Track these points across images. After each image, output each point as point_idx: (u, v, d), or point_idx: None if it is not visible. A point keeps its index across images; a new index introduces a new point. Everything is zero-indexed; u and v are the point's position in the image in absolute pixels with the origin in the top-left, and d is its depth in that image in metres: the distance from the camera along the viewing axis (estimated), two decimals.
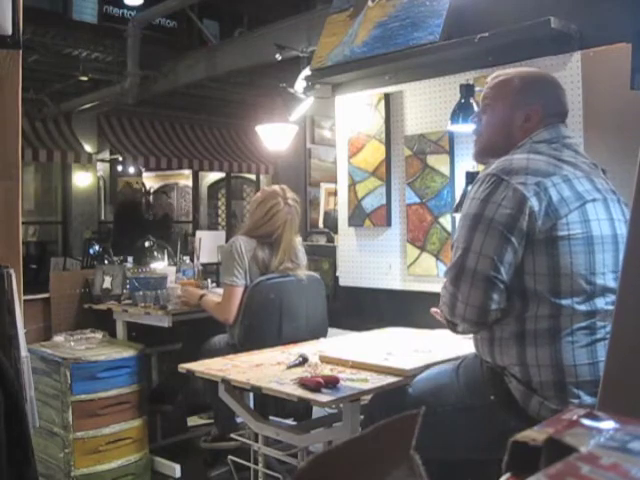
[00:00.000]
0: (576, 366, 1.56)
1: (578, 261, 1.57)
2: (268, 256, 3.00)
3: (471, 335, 1.78)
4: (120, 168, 11.09)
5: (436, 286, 2.05)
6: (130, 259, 4.17)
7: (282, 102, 4.04)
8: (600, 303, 1.59)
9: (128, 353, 3.16)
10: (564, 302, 1.57)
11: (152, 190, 11.13)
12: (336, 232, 3.62)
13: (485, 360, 1.71)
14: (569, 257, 1.57)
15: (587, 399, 1.55)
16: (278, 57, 4.99)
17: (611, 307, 1.57)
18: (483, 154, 1.88)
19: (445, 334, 2.31)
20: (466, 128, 2.67)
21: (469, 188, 1.84)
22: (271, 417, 2.58)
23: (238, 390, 2.23)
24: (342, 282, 3.40)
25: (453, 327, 1.72)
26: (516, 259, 1.59)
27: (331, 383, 1.89)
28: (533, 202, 1.56)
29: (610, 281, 1.60)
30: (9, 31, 1.61)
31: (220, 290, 3.39)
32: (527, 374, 1.60)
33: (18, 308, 1.60)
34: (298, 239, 3.18)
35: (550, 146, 1.70)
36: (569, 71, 2.48)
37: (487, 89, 1.85)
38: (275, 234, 3.00)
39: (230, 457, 2.59)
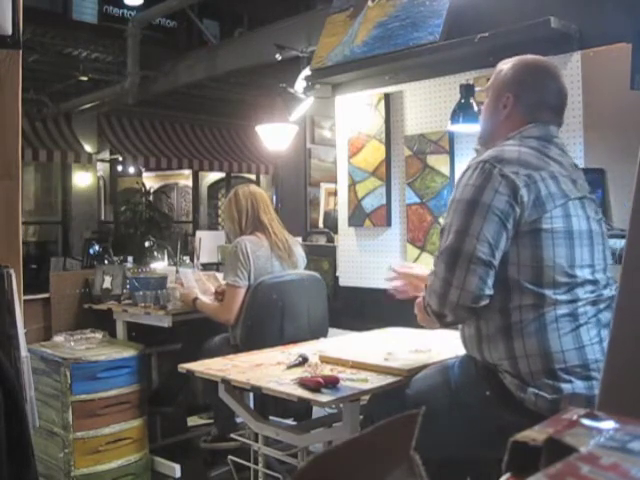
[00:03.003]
0: (564, 352, 1.58)
1: (559, 253, 1.61)
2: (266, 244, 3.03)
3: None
4: (120, 168, 11.09)
5: None
6: (130, 259, 4.17)
7: (282, 102, 4.04)
8: (580, 292, 1.63)
9: (128, 353, 3.16)
10: (546, 292, 1.60)
11: (152, 190, 11.09)
12: (336, 232, 3.62)
13: (477, 359, 1.72)
14: (552, 249, 1.60)
15: (579, 383, 1.57)
16: (278, 57, 4.98)
17: (590, 295, 1.63)
18: (480, 141, 1.91)
19: (445, 334, 2.31)
20: (466, 128, 2.67)
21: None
22: (271, 417, 2.58)
23: (238, 390, 2.23)
24: (342, 282, 3.40)
25: (442, 318, 1.69)
26: (507, 246, 1.62)
27: (331, 383, 1.89)
28: (523, 192, 1.60)
29: (587, 274, 1.64)
30: (9, 31, 1.61)
31: (211, 287, 3.38)
32: (516, 367, 1.61)
33: (18, 308, 1.60)
34: (293, 238, 3.19)
35: (539, 143, 1.72)
36: (569, 71, 2.48)
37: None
38: (254, 213, 3.07)
39: (230, 457, 2.59)
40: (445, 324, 1.73)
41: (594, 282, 1.65)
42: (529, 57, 1.85)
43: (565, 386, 1.57)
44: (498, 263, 1.61)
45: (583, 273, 1.63)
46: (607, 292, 1.66)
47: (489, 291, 1.61)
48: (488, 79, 2.60)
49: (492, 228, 1.59)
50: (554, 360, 1.58)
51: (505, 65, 1.84)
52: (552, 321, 1.59)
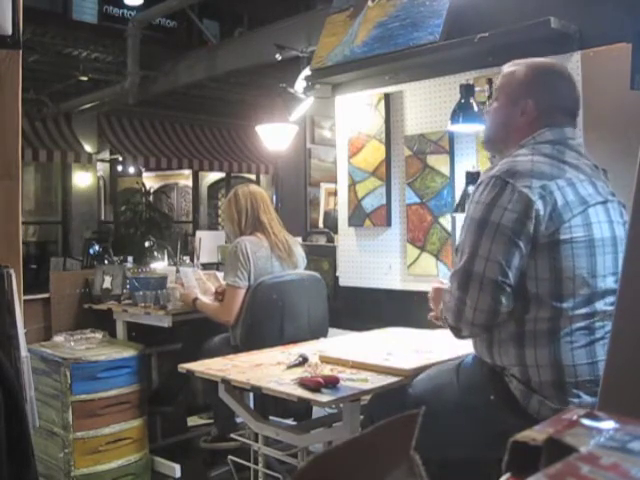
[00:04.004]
0: (575, 366, 1.56)
1: (580, 264, 1.57)
2: (266, 244, 3.03)
3: None
4: (120, 168, 11.09)
5: None
6: (130, 259, 4.17)
7: (282, 102, 4.04)
8: (600, 305, 1.59)
9: (128, 353, 3.16)
10: (565, 305, 1.57)
11: (152, 190, 11.09)
12: (336, 232, 3.62)
13: (484, 360, 1.71)
14: (571, 260, 1.57)
15: (587, 398, 1.55)
16: (278, 57, 4.99)
17: (610, 307, 1.58)
18: (488, 145, 1.89)
19: (445, 334, 2.31)
20: (466, 128, 2.67)
21: (471, 190, 1.82)
22: (271, 417, 2.58)
23: (238, 390, 2.23)
24: (342, 282, 3.40)
25: (457, 332, 1.71)
26: (522, 263, 1.58)
27: (331, 383, 1.89)
28: (539, 205, 1.55)
29: (610, 283, 1.60)
30: (9, 31, 1.62)
31: (211, 286, 3.38)
32: (526, 374, 1.60)
33: (18, 308, 1.60)
34: (293, 238, 3.19)
35: (554, 147, 1.68)
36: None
37: (499, 77, 1.83)
38: (254, 213, 3.07)
39: (230, 457, 2.59)
40: (461, 338, 1.74)
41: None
42: (542, 60, 1.80)
43: (572, 400, 1.55)
44: (515, 281, 1.58)
45: (606, 282, 1.60)
46: None
47: (505, 309, 1.59)
48: (488, 79, 2.60)
49: (502, 248, 1.57)
50: (565, 373, 1.56)
51: (516, 67, 1.77)
52: (566, 334, 1.57)
